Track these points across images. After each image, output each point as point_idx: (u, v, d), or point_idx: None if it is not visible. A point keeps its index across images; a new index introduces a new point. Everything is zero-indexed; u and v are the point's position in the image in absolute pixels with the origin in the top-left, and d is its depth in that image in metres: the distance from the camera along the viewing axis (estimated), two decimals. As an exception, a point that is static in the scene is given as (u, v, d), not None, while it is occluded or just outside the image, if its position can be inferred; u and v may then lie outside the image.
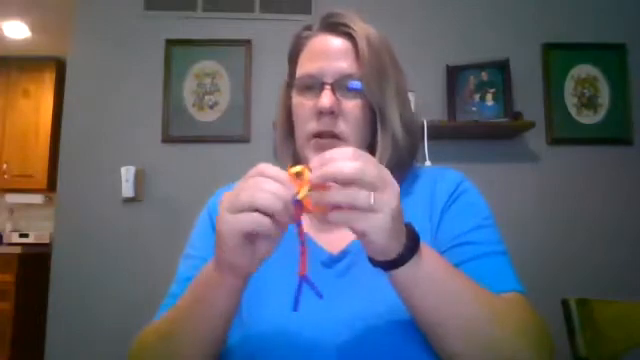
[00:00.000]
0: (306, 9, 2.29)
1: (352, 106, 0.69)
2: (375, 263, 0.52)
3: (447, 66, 2.24)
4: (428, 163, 1.98)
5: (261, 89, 2.23)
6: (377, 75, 0.69)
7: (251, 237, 0.49)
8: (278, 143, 0.80)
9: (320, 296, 0.52)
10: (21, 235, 3.58)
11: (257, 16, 2.30)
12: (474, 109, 2.20)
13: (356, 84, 0.69)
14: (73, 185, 2.16)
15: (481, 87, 2.21)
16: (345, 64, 0.69)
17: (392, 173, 0.71)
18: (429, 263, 0.53)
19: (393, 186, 0.48)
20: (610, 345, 0.90)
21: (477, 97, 2.20)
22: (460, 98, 2.21)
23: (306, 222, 0.74)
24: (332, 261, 0.69)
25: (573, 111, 2.26)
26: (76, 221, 2.13)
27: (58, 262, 2.12)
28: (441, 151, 2.09)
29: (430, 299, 0.54)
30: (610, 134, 2.24)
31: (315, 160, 0.48)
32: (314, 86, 0.70)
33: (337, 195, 0.45)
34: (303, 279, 0.52)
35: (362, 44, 0.69)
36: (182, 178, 2.17)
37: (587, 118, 2.25)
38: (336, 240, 0.71)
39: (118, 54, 2.25)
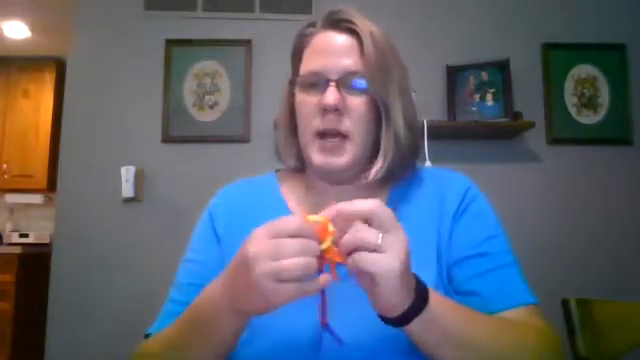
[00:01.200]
0: (306, 9, 2.29)
1: (357, 103, 0.68)
2: (386, 320, 0.52)
3: (447, 66, 2.24)
4: (428, 163, 1.98)
5: (261, 89, 2.23)
6: (381, 72, 0.69)
7: None
8: (281, 142, 0.79)
9: (340, 342, 0.53)
10: (21, 235, 3.58)
11: (257, 16, 2.30)
12: (474, 109, 2.20)
13: (361, 82, 0.68)
14: (73, 185, 2.16)
15: (481, 87, 2.20)
16: (349, 61, 0.69)
17: (394, 172, 0.71)
18: (440, 313, 0.54)
19: (403, 233, 0.49)
20: (610, 345, 0.90)
21: (477, 97, 2.20)
22: (460, 98, 2.21)
23: None
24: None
25: (573, 111, 2.26)
26: (76, 221, 2.13)
27: (58, 262, 2.12)
28: (441, 151, 2.09)
29: (444, 348, 0.55)
30: (610, 134, 2.24)
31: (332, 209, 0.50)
32: (318, 83, 0.69)
33: (347, 238, 0.48)
34: (325, 328, 0.53)
35: (367, 41, 0.68)
36: (182, 178, 2.17)
37: (587, 118, 2.25)
38: None
39: (118, 54, 2.25)
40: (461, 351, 0.55)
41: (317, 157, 0.69)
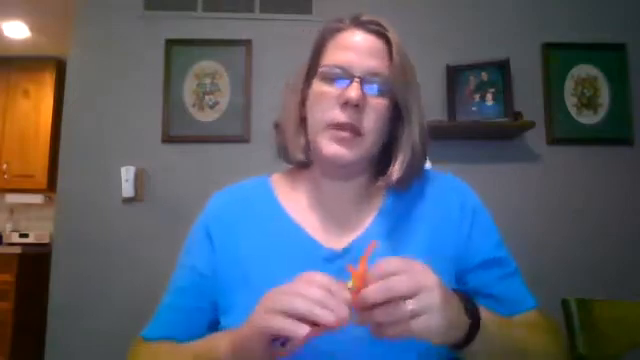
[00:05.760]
0: (306, 9, 2.29)
1: (377, 103, 0.69)
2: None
3: (447, 66, 2.24)
4: (428, 163, 1.97)
5: (261, 89, 2.23)
6: (404, 79, 0.70)
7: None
8: (289, 134, 0.77)
9: None
10: (21, 235, 3.58)
11: (257, 16, 2.29)
12: (474, 109, 2.20)
13: (384, 85, 0.69)
14: (73, 185, 2.16)
15: (481, 87, 2.21)
16: (375, 62, 0.69)
17: (405, 180, 0.72)
18: (489, 332, 0.56)
19: (430, 284, 0.50)
20: (610, 345, 0.90)
21: (477, 97, 2.20)
22: (460, 98, 2.21)
23: (306, 218, 0.74)
24: (335, 257, 0.69)
25: (573, 111, 2.26)
26: (76, 221, 2.13)
27: (58, 262, 2.11)
28: (441, 151, 2.09)
29: (493, 357, 0.59)
30: (610, 134, 2.24)
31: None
32: (341, 77, 0.69)
33: (380, 316, 0.49)
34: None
35: (395, 47, 0.70)
36: (182, 178, 2.17)
37: (587, 118, 2.25)
38: (339, 238, 0.72)
39: (118, 54, 2.25)
40: (506, 357, 0.61)
41: (328, 147, 0.69)
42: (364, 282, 0.50)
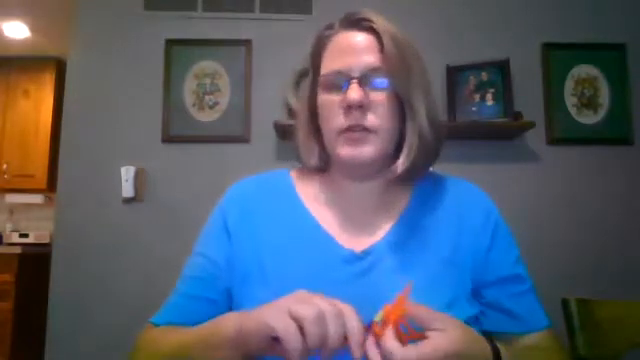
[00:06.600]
0: (306, 9, 2.29)
1: (380, 98, 0.68)
2: None
3: (447, 66, 2.24)
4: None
5: (261, 89, 2.23)
6: (402, 69, 0.69)
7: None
8: (301, 142, 0.78)
9: None
10: (21, 235, 3.58)
11: (257, 16, 2.29)
12: (474, 109, 2.20)
13: (383, 79, 0.68)
14: (73, 185, 2.16)
15: (481, 87, 2.20)
16: (371, 58, 0.69)
17: (418, 170, 0.71)
18: None
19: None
20: (610, 345, 0.89)
21: (477, 97, 2.20)
22: (460, 98, 2.21)
23: (325, 216, 0.74)
24: (354, 259, 0.69)
25: (573, 111, 2.26)
26: (76, 221, 2.13)
27: (58, 262, 2.12)
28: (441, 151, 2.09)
29: None
30: (610, 134, 2.24)
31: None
32: (341, 82, 0.69)
33: None
34: None
35: (386, 37, 0.69)
36: (182, 178, 2.17)
37: (587, 118, 2.25)
38: (359, 240, 0.71)
39: (118, 54, 2.25)
40: None
41: (343, 149, 0.69)
42: (395, 325, 0.50)
